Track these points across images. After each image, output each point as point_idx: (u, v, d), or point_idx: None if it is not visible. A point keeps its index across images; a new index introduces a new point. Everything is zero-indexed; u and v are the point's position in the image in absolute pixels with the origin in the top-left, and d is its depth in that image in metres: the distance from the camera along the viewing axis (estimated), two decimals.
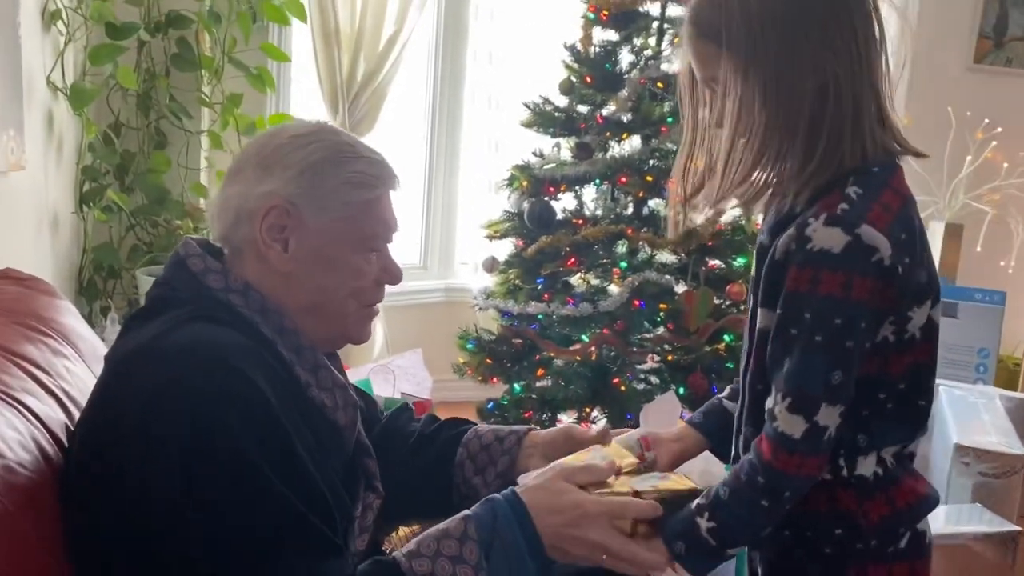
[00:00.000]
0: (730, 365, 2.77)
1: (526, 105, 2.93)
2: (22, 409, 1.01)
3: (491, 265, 3.08)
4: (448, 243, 3.95)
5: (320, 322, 1.07)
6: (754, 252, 1.12)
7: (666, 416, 2.42)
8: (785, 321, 0.99)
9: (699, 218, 1.19)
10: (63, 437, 1.04)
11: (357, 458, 1.15)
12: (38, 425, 1.01)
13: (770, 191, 1.06)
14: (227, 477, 0.88)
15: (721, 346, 2.74)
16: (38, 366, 1.13)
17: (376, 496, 1.16)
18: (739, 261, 2.76)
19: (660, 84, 2.74)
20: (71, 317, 1.38)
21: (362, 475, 1.15)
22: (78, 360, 1.24)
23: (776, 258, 1.01)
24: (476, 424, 1.33)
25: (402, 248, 3.82)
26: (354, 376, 2.95)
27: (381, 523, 1.18)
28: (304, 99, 3.39)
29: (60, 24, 2.17)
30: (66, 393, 1.13)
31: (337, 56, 3.25)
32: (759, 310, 1.05)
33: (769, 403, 1.01)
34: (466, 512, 0.98)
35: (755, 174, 1.03)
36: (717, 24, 1.00)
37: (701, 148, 1.10)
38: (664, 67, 2.79)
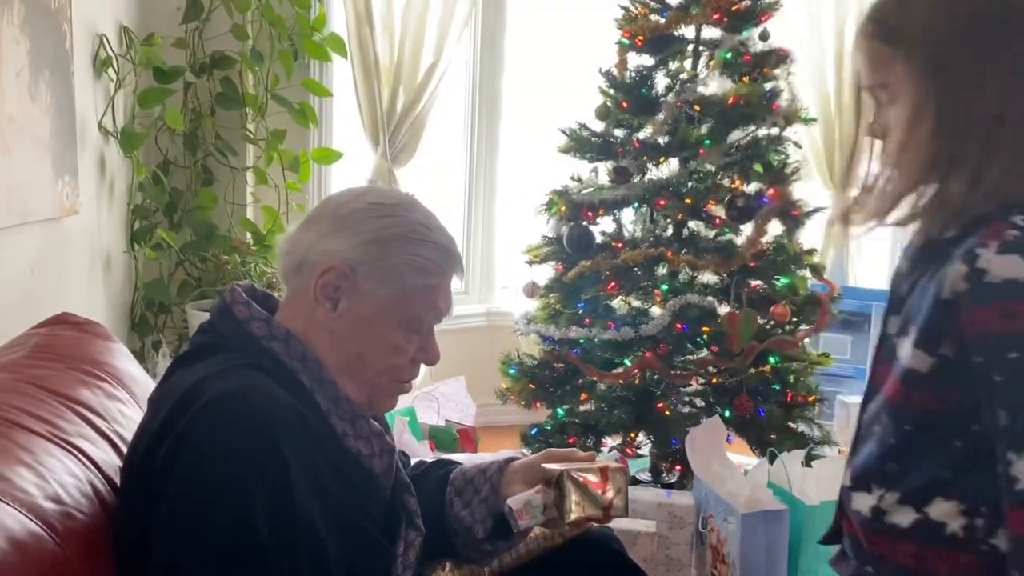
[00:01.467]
0: (776, 387, 2.74)
1: (563, 131, 2.94)
2: (78, 454, 1.05)
3: (531, 290, 3.09)
4: (489, 267, 3.98)
5: (350, 384, 1.10)
6: (890, 278, 1.05)
7: (712, 442, 2.41)
8: (987, 369, 0.88)
9: (858, 231, 1.11)
10: (116, 479, 1.07)
11: (397, 497, 1.17)
12: (94, 469, 1.05)
13: (924, 214, 0.98)
14: (223, 529, 0.91)
15: (766, 368, 2.72)
16: (93, 411, 1.17)
17: (417, 533, 1.18)
18: (782, 281, 2.73)
19: (696, 107, 2.73)
20: (125, 360, 1.42)
21: (403, 513, 1.17)
22: (132, 403, 1.28)
23: (943, 297, 0.91)
24: (461, 464, 1.36)
25: None
26: (398, 405, 2.98)
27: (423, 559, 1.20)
28: (346, 133, 3.45)
29: (111, 71, 2.24)
30: (120, 436, 1.17)
31: (377, 89, 3.31)
32: (912, 349, 0.95)
33: (1000, 468, 0.88)
34: None
35: (912, 194, 0.96)
36: (902, 28, 0.93)
37: (863, 157, 1.05)
38: (700, 90, 2.79)
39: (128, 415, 1.23)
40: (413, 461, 1.41)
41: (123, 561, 0.98)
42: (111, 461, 1.10)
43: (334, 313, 1.08)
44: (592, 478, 1.13)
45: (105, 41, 2.20)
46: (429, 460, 1.47)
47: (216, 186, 2.78)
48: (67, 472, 1.00)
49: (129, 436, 1.18)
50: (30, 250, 1.70)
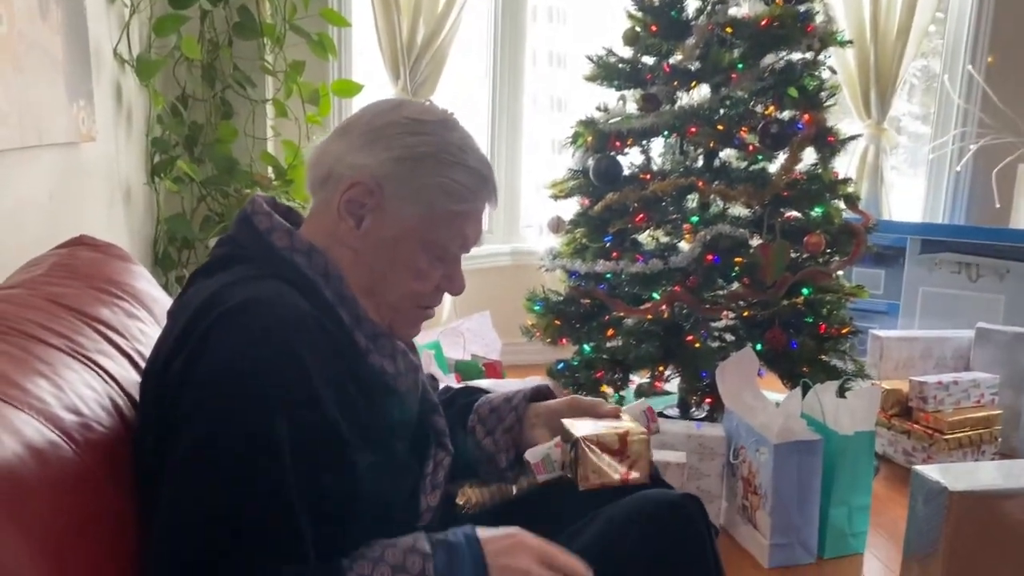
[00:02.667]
0: (809, 319, 2.68)
1: (589, 58, 2.85)
2: (97, 369, 1.02)
3: (557, 225, 3.03)
4: (512, 206, 3.92)
5: (372, 306, 1.05)
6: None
7: (744, 374, 2.36)
8: None
9: None
10: (136, 395, 1.04)
11: (426, 417, 1.14)
12: (113, 384, 1.02)
13: None
14: (241, 439, 0.87)
15: (800, 300, 2.65)
16: (113, 328, 1.14)
17: (446, 453, 1.15)
18: (816, 211, 2.65)
19: (728, 29, 2.63)
20: (144, 281, 1.39)
21: (432, 433, 1.14)
22: (152, 323, 1.25)
23: None
24: (487, 393, 1.32)
25: None
26: (423, 339, 2.96)
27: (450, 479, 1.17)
28: (366, 65, 3.37)
29: None
30: (140, 354, 1.14)
31: (397, 20, 3.22)
32: None
33: None
34: (426, 549, 0.92)
35: None
36: None
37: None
38: (732, 12, 2.68)
39: (148, 334, 1.20)
40: (441, 386, 1.38)
41: (141, 472, 0.95)
42: (131, 377, 1.07)
43: (358, 231, 1.03)
44: (612, 444, 1.09)
45: None
46: (456, 387, 1.44)
47: (235, 119, 2.73)
48: (85, 385, 0.97)
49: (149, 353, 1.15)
50: (47, 174, 1.66)
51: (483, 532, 0.95)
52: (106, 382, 1.01)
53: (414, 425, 1.11)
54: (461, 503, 1.11)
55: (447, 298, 3.58)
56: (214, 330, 0.90)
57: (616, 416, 1.14)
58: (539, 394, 1.27)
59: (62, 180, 1.74)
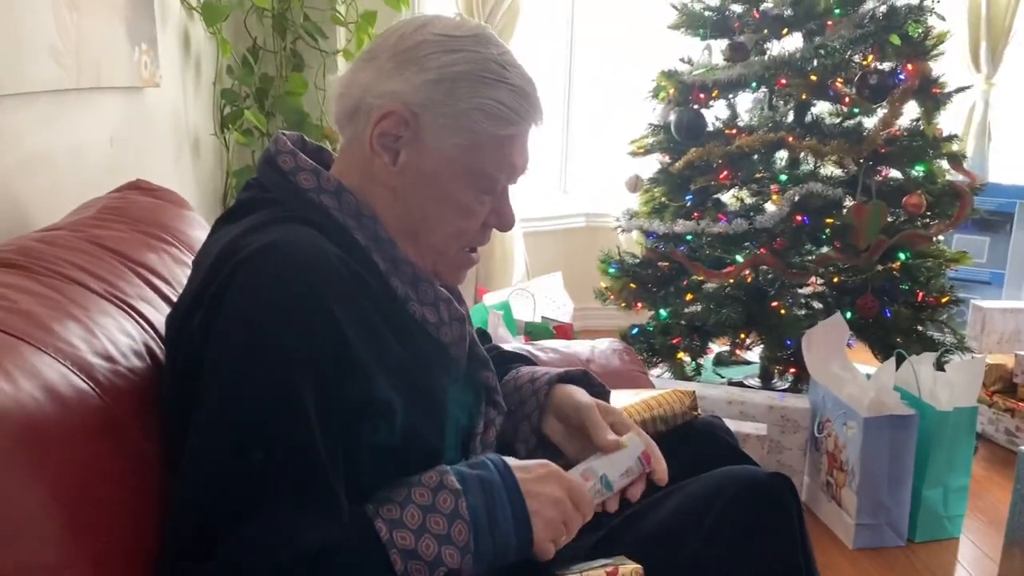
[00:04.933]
0: (905, 287, 2.50)
1: (673, 6, 2.69)
2: (135, 315, 0.96)
3: (635, 184, 2.90)
4: (589, 164, 3.78)
5: (414, 250, 0.95)
6: None
7: (832, 343, 2.20)
8: None
9: None
10: None
11: (474, 373, 1.04)
12: (150, 331, 0.96)
13: None
14: (263, 392, 0.79)
15: (895, 265, 2.47)
16: (157, 274, 1.09)
17: (498, 412, 1.05)
18: (917, 169, 2.45)
19: None
20: (198, 228, 1.34)
21: (481, 390, 1.04)
22: None
23: None
24: (527, 361, 1.20)
25: (541, 171, 3.73)
26: (493, 299, 2.88)
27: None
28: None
29: None
30: None
31: None
32: None
33: None
34: (456, 485, 0.85)
35: None
36: None
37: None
38: None
39: None
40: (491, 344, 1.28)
41: (168, 422, 0.89)
42: None
43: (394, 167, 0.92)
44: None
45: None
46: (503, 346, 1.34)
47: (306, 71, 2.67)
48: (121, 331, 0.92)
49: None
50: (108, 118, 1.62)
51: (512, 461, 0.89)
52: (144, 328, 0.96)
53: (462, 380, 1.01)
54: None
55: (519, 258, 3.49)
56: (234, 280, 0.82)
57: (616, 448, 1.00)
58: (569, 377, 1.12)
59: (124, 124, 1.71)
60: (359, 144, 0.94)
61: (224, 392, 0.80)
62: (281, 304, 0.81)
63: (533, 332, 2.66)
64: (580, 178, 3.81)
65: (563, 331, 2.76)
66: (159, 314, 1.01)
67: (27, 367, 0.76)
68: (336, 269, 0.84)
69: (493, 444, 1.02)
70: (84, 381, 0.80)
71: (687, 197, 2.69)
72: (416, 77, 0.91)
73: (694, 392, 1.21)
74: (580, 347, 1.65)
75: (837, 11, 2.43)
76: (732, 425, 1.98)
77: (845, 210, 2.38)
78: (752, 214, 2.46)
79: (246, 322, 0.80)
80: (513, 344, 1.99)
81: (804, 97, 2.50)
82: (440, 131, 0.91)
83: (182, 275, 1.14)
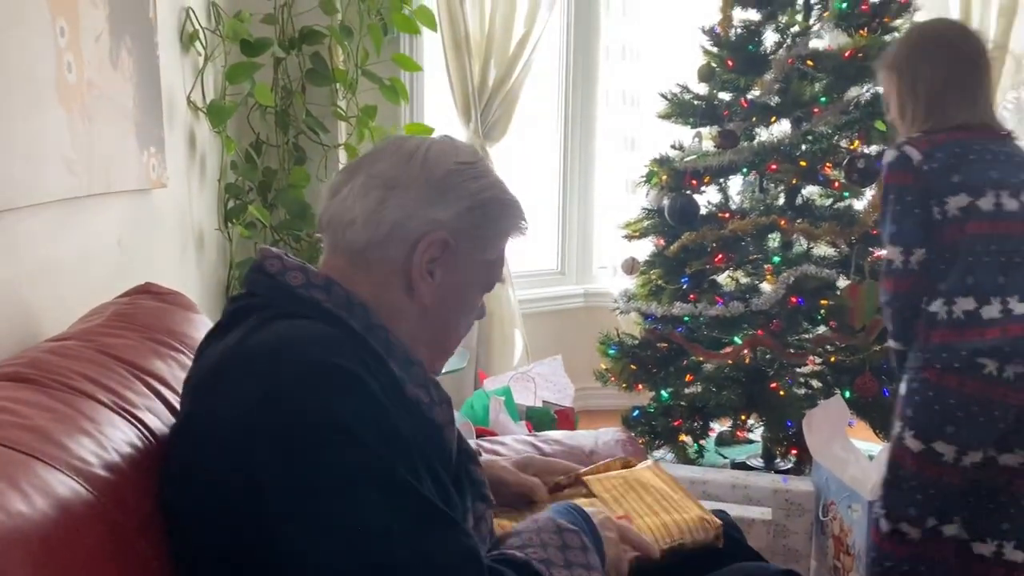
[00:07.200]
0: None
1: (663, 96, 2.78)
2: (140, 427, 0.97)
3: (631, 266, 2.95)
4: (585, 246, 3.84)
5: (427, 352, 1.02)
6: None
7: (833, 424, 2.21)
8: None
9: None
10: None
11: (461, 465, 1.05)
12: (154, 444, 0.97)
13: None
14: (350, 467, 0.81)
15: None
16: (165, 383, 1.11)
17: (487, 506, 1.06)
18: None
19: (809, 63, 2.53)
20: (205, 331, 1.36)
21: (467, 483, 1.04)
22: None
23: None
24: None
25: (539, 253, 3.78)
26: (493, 384, 2.89)
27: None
28: (438, 108, 3.37)
29: (198, 45, 2.21)
30: None
31: (468, 63, 3.21)
32: None
33: None
34: (567, 525, 0.99)
35: None
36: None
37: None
38: (813, 44, 2.58)
39: None
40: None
41: (179, 544, 0.89)
42: None
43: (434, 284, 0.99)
44: None
45: (192, 15, 2.17)
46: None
47: (308, 164, 2.74)
48: (128, 443, 0.93)
49: None
50: (116, 221, 1.67)
51: (586, 507, 1.06)
52: (149, 442, 0.96)
53: (453, 471, 1.01)
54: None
55: (518, 341, 3.49)
56: (251, 378, 0.83)
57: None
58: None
59: (132, 226, 1.75)
60: (390, 264, 0.97)
61: (304, 488, 0.80)
62: (321, 384, 0.83)
63: (534, 417, 2.67)
64: (576, 258, 3.86)
65: (564, 416, 2.76)
66: (164, 426, 1.02)
67: (41, 485, 0.77)
68: (347, 346, 0.87)
69: (487, 539, 1.02)
70: (94, 496, 0.82)
71: (683, 279, 2.73)
72: (457, 204, 0.99)
73: (721, 524, 1.18)
74: (584, 439, 1.65)
75: (823, 99, 2.52)
76: (737, 510, 1.98)
77: (839, 291, 2.42)
78: (748, 296, 2.50)
79: (298, 420, 0.81)
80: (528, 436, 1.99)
81: (794, 181, 2.56)
82: (472, 251, 1.01)
83: None
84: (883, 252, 2.39)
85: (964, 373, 1.64)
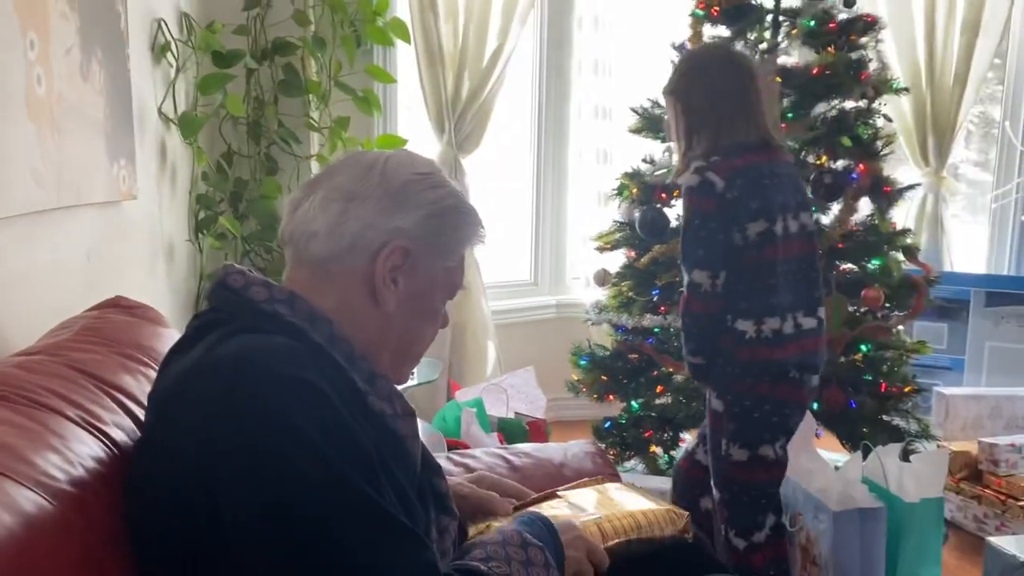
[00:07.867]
0: (868, 377, 2.56)
1: (634, 110, 2.82)
2: (107, 443, 0.97)
3: (603, 278, 2.97)
4: (558, 258, 3.86)
5: (390, 360, 1.04)
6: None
7: (800, 435, 2.24)
8: None
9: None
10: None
11: (425, 477, 1.06)
12: (119, 458, 0.97)
13: None
14: (311, 481, 0.81)
15: (858, 357, 2.54)
16: (133, 398, 1.10)
17: (450, 518, 1.07)
18: (874, 264, 2.55)
19: (778, 79, 2.57)
20: None
21: (430, 495, 1.06)
22: None
23: None
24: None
25: (512, 265, 3.80)
26: (465, 396, 2.89)
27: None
28: (411, 120, 3.38)
29: (169, 56, 2.20)
30: None
31: (441, 75, 3.23)
32: None
33: None
34: (533, 540, 1.02)
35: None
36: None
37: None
38: (781, 61, 2.63)
39: None
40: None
41: (144, 553, 0.90)
42: None
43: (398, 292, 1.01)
44: None
45: (164, 26, 2.16)
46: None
47: (280, 175, 2.74)
48: (96, 460, 0.93)
49: None
50: (86, 234, 1.66)
51: (555, 521, 1.09)
52: (116, 456, 0.96)
53: (417, 483, 1.02)
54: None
55: (491, 352, 3.50)
56: (214, 385, 0.85)
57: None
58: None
59: (102, 239, 1.74)
60: (353, 275, 0.99)
61: (270, 505, 0.81)
62: (280, 393, 0.84)
63: (506, 429, 2.68)
64: (549, 270, 3.88)
65: (536, 427, 2.78)
66: (130, 441, 1.02)
67: (9, 502, 0.77)
68: (307, 358, 0.89)
69: (450, 551, 1.04)
70: (61, 511, 0.82)
71: (653, 291, 2.76)
72: (415, 213, 1.00)
73: (688, 515, 1.21)
74: (553, 451, 1.66)
75: (790, 115, 2.56)
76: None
77: None
78: None
79: (256, 429, 0.82)
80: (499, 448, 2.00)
81: None
82: (433, 258, 1.03)
83: None
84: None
85: (776, 381, 1.88)
